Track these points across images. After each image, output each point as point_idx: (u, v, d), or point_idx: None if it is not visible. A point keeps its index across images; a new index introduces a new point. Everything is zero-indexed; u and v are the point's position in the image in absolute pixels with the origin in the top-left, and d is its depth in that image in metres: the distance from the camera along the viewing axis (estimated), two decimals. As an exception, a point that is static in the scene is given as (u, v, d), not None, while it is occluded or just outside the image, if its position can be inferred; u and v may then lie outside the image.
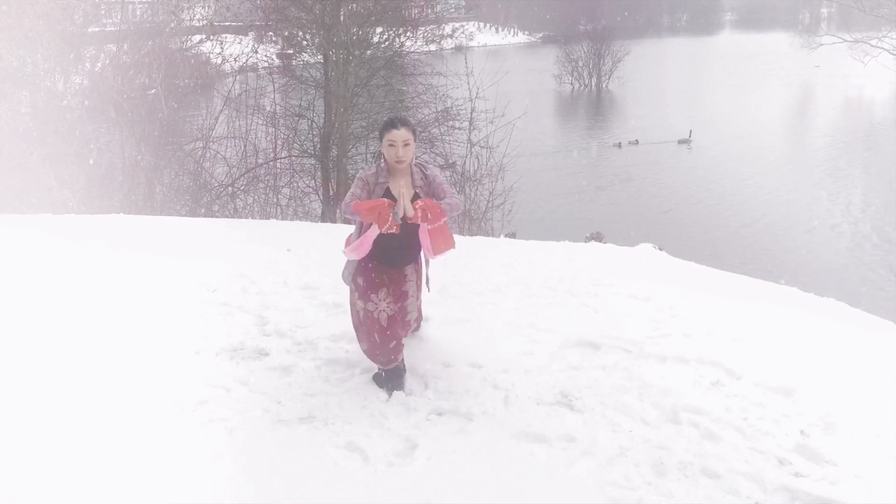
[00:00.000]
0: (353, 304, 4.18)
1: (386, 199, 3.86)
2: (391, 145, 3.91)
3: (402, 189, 3.92)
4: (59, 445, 3.38)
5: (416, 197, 3.95)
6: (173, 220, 10.92)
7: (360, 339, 4.19)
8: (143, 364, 4.26)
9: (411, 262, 4.16)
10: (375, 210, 3.80)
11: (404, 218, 3.84)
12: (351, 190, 3.95)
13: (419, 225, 3.90)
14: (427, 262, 4.30)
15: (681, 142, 37.17)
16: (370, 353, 4.15)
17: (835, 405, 4.08)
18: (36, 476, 3.13)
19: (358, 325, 4.17)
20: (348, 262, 4.13)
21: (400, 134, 3.90)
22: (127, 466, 3.24)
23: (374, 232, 3.85)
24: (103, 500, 3.01)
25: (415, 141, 3.94)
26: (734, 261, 17.26)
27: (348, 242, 4.09)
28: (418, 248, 4.09)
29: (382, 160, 4.01)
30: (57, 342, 4.51)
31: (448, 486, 3.20)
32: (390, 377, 4.17)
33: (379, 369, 4.21)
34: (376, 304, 4.06)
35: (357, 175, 4.00)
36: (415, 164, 4.05)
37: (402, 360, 4.20)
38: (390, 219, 3.79)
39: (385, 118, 4.16)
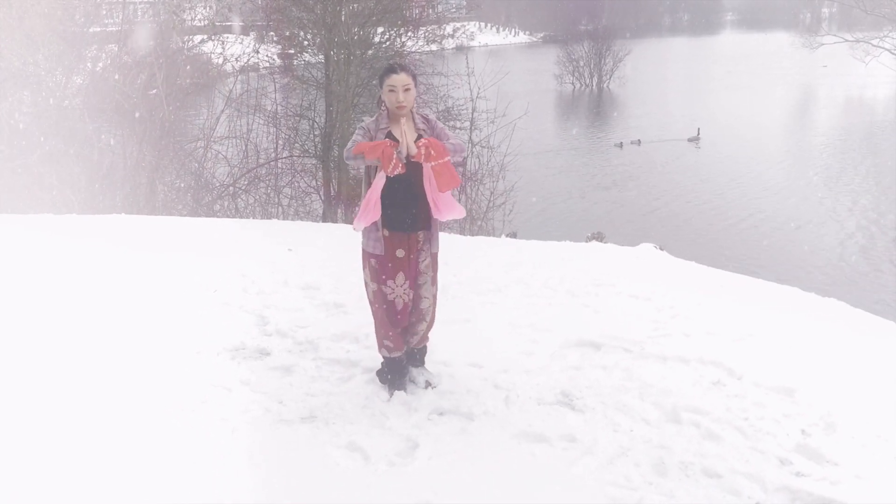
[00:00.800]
0: (366, 283, 4.11)
1: (388, 140, 3.81)
2: (391, 90, 3.85)
3: (404, 128, 3.87)
4: (61, 445, 3.38)
5: (418, 138, 3.89)
6: (174, 219, 10.94)
7: (373, 313, 4.12)
8: (145, 364, 4.27)
9: (423, 228, 4.01)
10: (378, 149, 3.72)
11: (409, 158, 3.78)
12: (353, 138, 3.87)
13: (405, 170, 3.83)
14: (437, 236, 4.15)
15: (690, 140, 37.23)
16: (380, 330, 4.10)
17: (836, 405, 4.08)
18: (36, 475, 3.14)
19: (371, 301, 4.12)
20: (363, 235, 3.99)
21: (400, 78, 3.86)
22: (128, 466, 3.24)
23: (380, 181, 3.77)
24: (105, 499, 3.01)
25: (415, 86, 3.89)
26: (735, 261, 17.27)
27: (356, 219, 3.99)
28: (428, 207, 3.95)
29: (383, 106, 3.95)
30: (58, 342, 4.52)
31: (449, 485, 3.21)
32: (392, 370, 4.15)
33: (382, 364, 4.20)
34: (393, 289, 4.01)
35: (358, 126, 3.91)
36: (416, 112, 4.00)
37: (404, 358, 4.18)
38: (395, 158, 3.72)
39: (384, 65, 4.09)
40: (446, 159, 3.87)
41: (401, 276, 4.00)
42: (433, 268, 4.12)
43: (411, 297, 4.07)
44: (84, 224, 8.59)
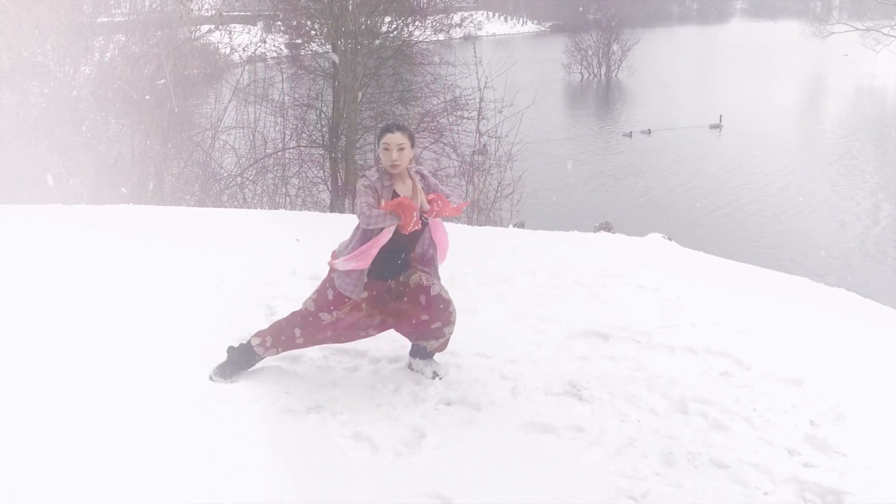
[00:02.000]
0: (309, 300, 4.10)
1: (408, 199, 3.81)
2: (386, 149, 3.88)
3: (417, 185, 3.92)
4: (66, 434, 3.39)
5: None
6: (182, 210, 10.96)
7: (289, 319, 4.12)
8: (151, 354, 4.28)
9: (403, 270, 4.08)
10: (409, 208, 3.72)
11: (421, 215, 3.85)
12: (363, 200, 3.82)
13: (422, 226, 3.93)
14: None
15: (712, 127, 37.17)
16: (282, 333, 4.09)
17: (844, 396, 4.06)
18: (39, 466, 3.15)
19: (299, 312, 4.11)
20: (341, 275, 3.98)
21: (395, 138, 3.86)
22: (134, 456, 3.25)
23: (386, 235, 3.79)
24: (111, 488, 3.02)
25: (412, 147, 3.90)
26: (744, 251, 17.19)
27: (335, 256, 4.01)
28: (410, 255, 4.08)
29: (380, 163, 3.98)
30: (63, 333, 4.52)
31: (456, 475, 3.21)
32: (243, 365, 4.12)
33: (236, 353, 4.15)
34: (330, 317, 4.05)
35: (360, 183, 3.91)
36: (414, 171, 4.02)
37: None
38: (416, 216, 3.75)
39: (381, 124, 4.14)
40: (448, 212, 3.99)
41: (376, 320, 4.09)
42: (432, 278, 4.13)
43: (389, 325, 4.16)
44: (92, 214, 8.60)
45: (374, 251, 3.82)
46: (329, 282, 4.04)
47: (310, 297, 4.13)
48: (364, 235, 3.88)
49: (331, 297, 4.02)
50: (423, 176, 4.07)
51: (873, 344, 5.15)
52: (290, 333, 4.09)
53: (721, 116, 37.32)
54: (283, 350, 4.15)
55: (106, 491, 3.01)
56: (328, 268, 4.07)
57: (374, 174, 3.92)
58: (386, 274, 4.02)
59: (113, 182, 14.90)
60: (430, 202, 3.91)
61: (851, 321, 5.80)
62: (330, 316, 4.05)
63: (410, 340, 4.26)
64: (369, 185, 3.86)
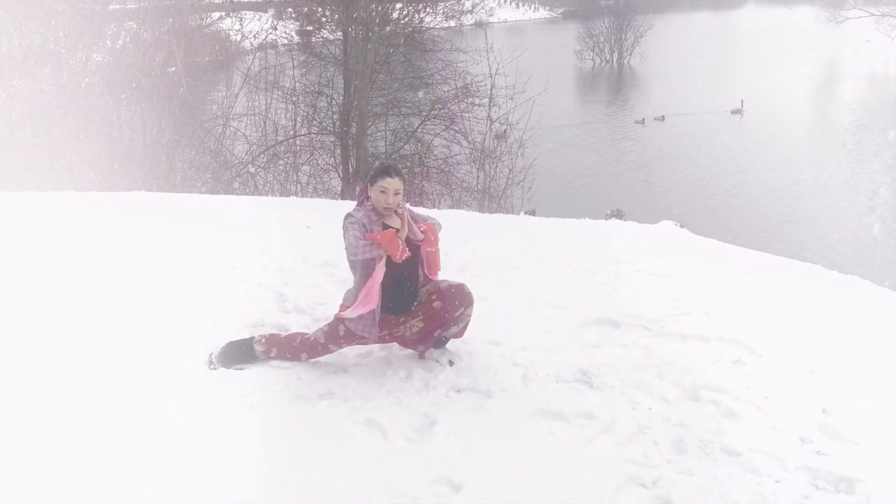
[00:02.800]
0: (320, 332, 4.12)
1: (393, 228, 3.87)
2: (383, 192, 3.94)
3: (405, 214, 3.98)
4: (79, 418, 3.42)
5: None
6: (194, 197, 10.98)
7: (300, 341, 4.15)
8: (163, 340, 4.29)
9: (416, 300, 4.12)
10: (392, 239, 3.77)
11: (411, 242, 3.94)
12: (352, 233, 3.87)
13: (419, 253, 4.03)
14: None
15: (733, 112, 37.06)
16: (289, 351, 4.14)
17: (857, 384, 4.05)
18: (52, 446, 3.17)
19: (308, 339, 4.13)
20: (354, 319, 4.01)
21: (394, 183, 3.94)
22: (146, 440, 3.27)
23: (380, 271, 3.83)
24: (121, 472, 3.04)
25: (403, 191, 4.00)
26: (757, 238, 17.12)
27: (343, 308, 4.04)
28: (418, 284, 4.12)
29: (369, 202, 4.04)
30: (73, 319, 4.55)
31: (467, 462, 3.21)
32: (243, 359, 4.14)
33: (234, 347, 4.17)
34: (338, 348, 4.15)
35: (346, 221, 3.94)
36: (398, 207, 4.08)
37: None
38: (401, 245, 3.80)
39: (378, 163, 4.16)
40: (437, 247, 4.09)
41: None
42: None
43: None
44: (104, 201, 8.64)
45: (376, 288, 3.86)
46: (340, 321, 4.06)
47: (320, 329, 4.16)
48: (364, 274, 3.93)
49: (342, 332, 4.06)
50: (410, 212, 4.15)
51: (886, 332, 5.12)
52: (296, 355, 4.15)
53: (742, 101, 37.11)
54: (288, 361, 4.17)
55: (125, 466, 3.03)
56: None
57: (360, 211, 3.98)
58: (397, 308, 4.05)
59: (125, 169, 14.94)
60: (423, 232, 3.99)
61: (865, 309, 5.76)
62: (339, 347, 4.14)
63: (434, 341, 4.25)
64: (357, 222, 3.92)
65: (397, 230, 3.88)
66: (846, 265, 9.73)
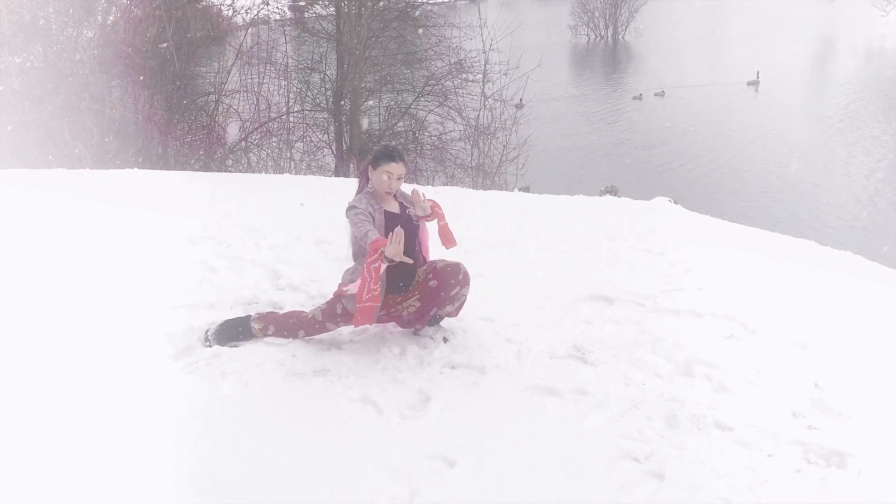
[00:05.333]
0: (318, 309, 4.11)
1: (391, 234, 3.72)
2: (387, 176, 3.95)
3: (415, 193, 4.00)
4: (73, 399, 3.42)
5: (403, 208, 4.09)
6: (187, 174, 10.95)
7: (297, 318, 4.14)
8: (158, 317, 4.29)
9: (413, 280, 4.11)
10: (396, 253, 3.65)
11: (417, 221, 4.02)
12: (358, 219, 3.82)
13: (417, 234, 4.07)
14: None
15: (749, 83, 36.94)
16: (286, 328, 4.13)
17: (850, 358, 4.07)
18: (45, 429, 3.18)
19: (306, 316, 4.13)
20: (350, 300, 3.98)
21: (398, 168, 3.96)
22: (140, 417, 3.28)
23: (381, 267, 3.75)
24: (113, 447, 3.04)
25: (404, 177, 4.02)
26: (751, 215, 17.14)
27: (342, 286, 4.01)
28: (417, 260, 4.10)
29: (370, 184, 4.03)
30: (73, 294, 4.54)
31: (461, 438, 3.22)
32: (241, 336, 4.13)
33: (231, 326, 4.15)
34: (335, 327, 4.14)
35: (351, 213, 3.87)
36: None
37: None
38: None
39: (382, 146, 4.10)
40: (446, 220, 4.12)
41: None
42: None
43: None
44: (96, 179, 8.60)
45: (376, 287, 3.79)
46: (338, 300, 4.05)
47: (318, 307, 4.15)
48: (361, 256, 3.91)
49: (339, 311, 4.06)
50: (404, 195, 4.18)
51: (879, 306, 5.15)
52: (293, 332, 4.15)
53: (758, 73, 36.94)
54: (286, 339, 4.17)
55: (116, 443, 3.03)
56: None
57: (363, 200, 3.95)
58: (393, 288, 4.03)
59: (117, 146, 14.85)
60: (431, 207, 4.02)
61: (858, 284, 5.79)
62: (336, 326, 4.13)
63: (429, 319, 4.24)
64: (363, 210, 3.89)
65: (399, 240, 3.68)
66: (840, 241, 9.76)
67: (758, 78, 37.21)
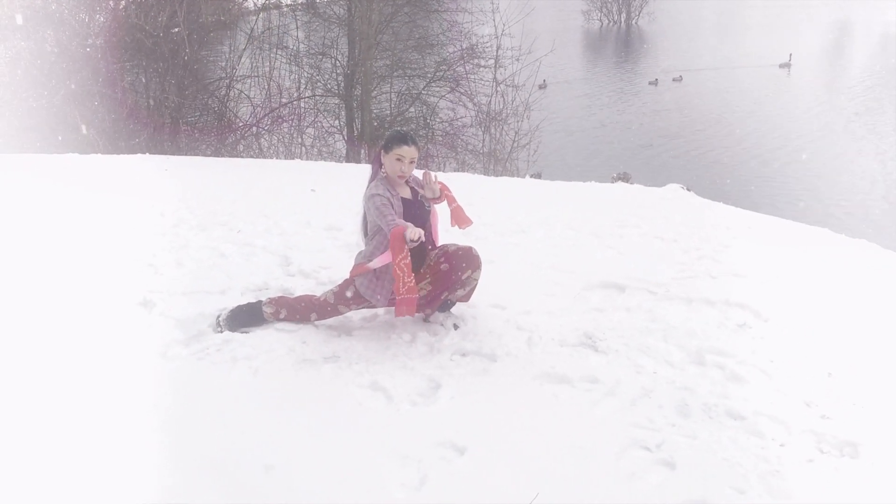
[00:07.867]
0: (330, 292, 4.12)
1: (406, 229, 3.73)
2: (399, 160, 3.94)
3: (426, 176, 3.98)
4: (84, 385, 3.43)
5: (416, 194, 4.10)
6: (197, 159, 10.95)
7: (308, 301, 4.15)
8: (169, 303, 4.30)
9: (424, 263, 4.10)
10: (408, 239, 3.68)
11: (430, 204, 4.05)
12: (388, 209, 3.83)
13: (428, 218, 4.08)
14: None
15: (781, 66, 36.70)
16: (297, 312, 4.14)
17: (863, 347, 4.03)
18: (55, 416, 3.19)
19: (317, 300, 4.13)
20: (365, 283, 4.00)
21: (411, 151, 3.95)
22: (151, 403, 3.28)
23: (407, 255, 3.75)
24: (123, 433, 3.05)
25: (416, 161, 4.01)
26: (765, 202, 17.03)
27: (359, 266, 4.01)
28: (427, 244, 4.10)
29: (384, 169, 4.02)
30: (84, 279, 4.55)
31: (471, 425, 3.22)
32: (251, 322, 4.14)
33: (242, 311, 4.16)
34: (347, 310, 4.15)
35: (373, 202, 3.87)
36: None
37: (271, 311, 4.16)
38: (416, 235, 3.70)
39: (394, 131, 4.08)
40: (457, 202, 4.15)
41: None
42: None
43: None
44: (108, 164, 8.61)
45: (410, 273, 3.77)
46: (350, 283, 4.06)
47: (330, 290, 4.16)
48: (382, 243, 3.91)
49: (350, 294, 4.07)
50: (416, 179, 4.19)
51: (893, 296, 5.10)
52: (305, 315, 4.15)
53: (791, 55, 36.66)
54: (298, 322, 4.17)
55: (127, 429, 3.04)
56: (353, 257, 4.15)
57: (380, 186, 3.95)
58: (417, 263, 4.01)
59: (129, 131, 14.89)
60: (441, 189, 4.05)
61: (872, 273, 5.73)
62: (348, 309, 4.14)
63: (440, 304, 4.22)
64: (383, 196, 3.88)
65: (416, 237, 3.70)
66: (855, 229, 9.68)
67: (790, 60, 36.85)
